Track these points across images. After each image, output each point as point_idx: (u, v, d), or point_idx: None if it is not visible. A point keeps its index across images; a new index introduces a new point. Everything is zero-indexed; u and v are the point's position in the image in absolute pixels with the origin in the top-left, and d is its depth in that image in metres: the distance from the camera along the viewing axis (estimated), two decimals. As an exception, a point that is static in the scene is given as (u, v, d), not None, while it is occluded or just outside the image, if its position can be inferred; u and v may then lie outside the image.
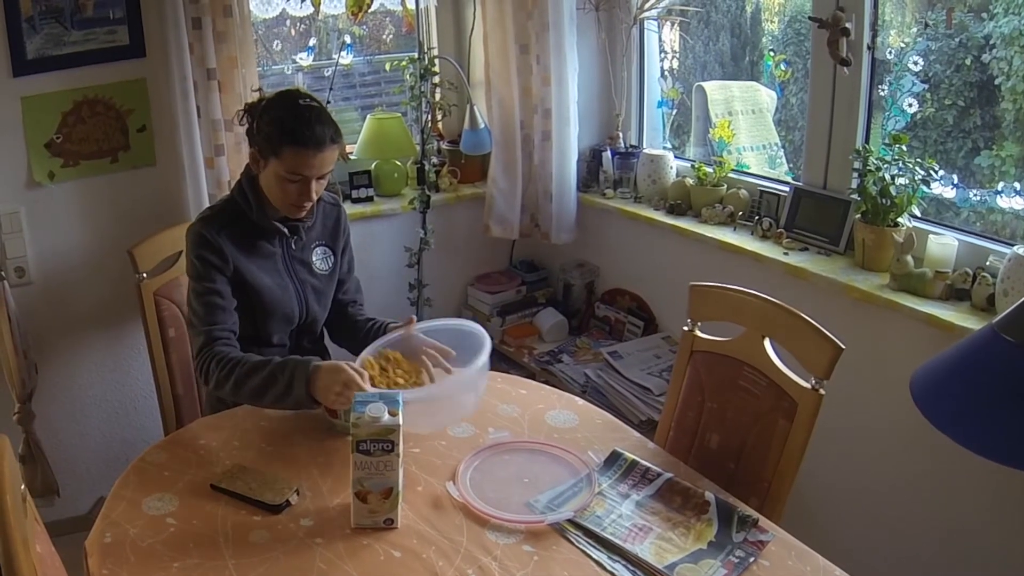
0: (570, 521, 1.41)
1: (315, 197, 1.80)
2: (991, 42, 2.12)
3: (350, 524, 1.39)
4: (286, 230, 1.86)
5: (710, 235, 2.47)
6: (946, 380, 1.08)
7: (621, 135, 2.91)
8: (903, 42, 2.26)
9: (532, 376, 2.62)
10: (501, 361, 2.88)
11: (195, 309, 1.79)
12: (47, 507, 2.27)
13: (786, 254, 2.29)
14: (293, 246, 1.90)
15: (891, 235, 2.07)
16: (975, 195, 2.17)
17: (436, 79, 2.84)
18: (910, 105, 2.20)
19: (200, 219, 1.84)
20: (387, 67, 3.00)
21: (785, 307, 1.68)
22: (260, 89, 2.05)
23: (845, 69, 2.14)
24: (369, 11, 2.64)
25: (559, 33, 2.69)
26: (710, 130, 2.78)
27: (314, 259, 1.93)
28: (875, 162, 2.11)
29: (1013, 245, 1.89)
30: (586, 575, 1.31)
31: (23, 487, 1.12)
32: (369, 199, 2.86)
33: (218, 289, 1.78)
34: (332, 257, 1.97)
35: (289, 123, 1.72)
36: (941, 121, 2.28)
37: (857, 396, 2.09)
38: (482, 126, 2.81)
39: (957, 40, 2.20)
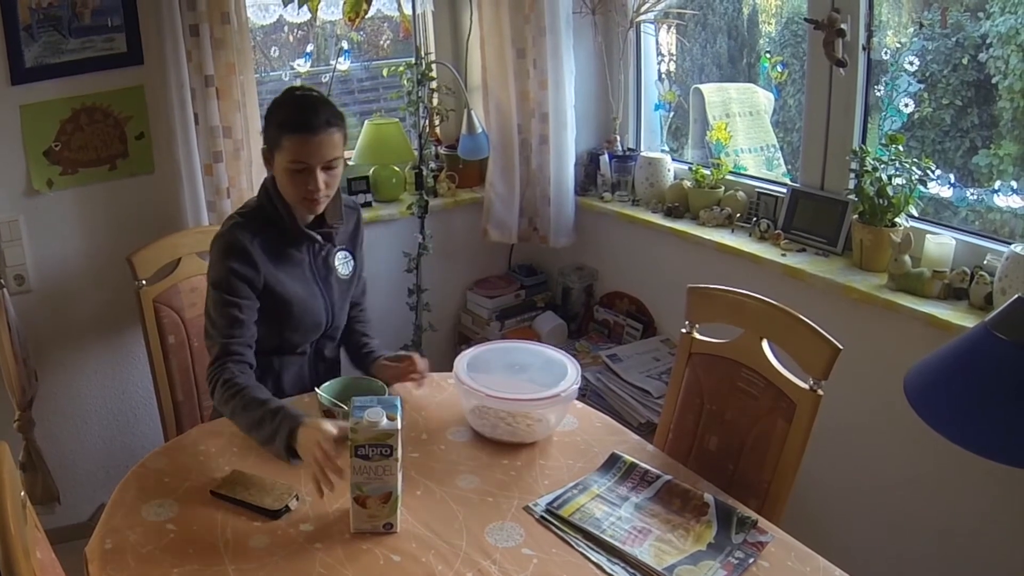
0: (569, 524, 1.42)
1: (323, 187, 1.74)
2: (987, 41, 2.12)
3: (349, 529, 1.39)
4: (319, 237, 1.84)
5: (708, 237, 2.47)
6: (940, 378, 1.09)
7: (618, 138, 2.91)
8: (899, 42, 2.25)
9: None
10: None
11: (213, 318, 1.74)
12: (47, 514, 2.27)
13: (784, 255, 2.29)
14: (319, 252, 1.88)
15: (889, 235, 2.08)
16: (972, 194, 2.17)
17: (433, 84, 2.84)
18: (906, 105, 2.20)
19: (232, 225, 1.78)
20: (384, 73, 3.00)
21: (783, 308, 1.69)
22: None
23: (841, 70, 2.15)
24: (366, 17, 2.64)
25: (556, 37, 2.70)
26: (707, 132, 2.78)
27: (336, 264, 1.91)
28: (872, 162, 2.11)
29: (1011, 244, 1.89)
30: (586, 578, 1.31)
31: (23, 494, 1.12)
32: (367, 204, 2.86)
33: (240, 303, 1.73)
34: (352, 261, 1.96)
35: (286, 113, 1.73)
36: (938, 121, 2.28)
37: (856, 396, 2.09)
38: (480, 131, 2.81)
39: (953, 40, 2.20)
